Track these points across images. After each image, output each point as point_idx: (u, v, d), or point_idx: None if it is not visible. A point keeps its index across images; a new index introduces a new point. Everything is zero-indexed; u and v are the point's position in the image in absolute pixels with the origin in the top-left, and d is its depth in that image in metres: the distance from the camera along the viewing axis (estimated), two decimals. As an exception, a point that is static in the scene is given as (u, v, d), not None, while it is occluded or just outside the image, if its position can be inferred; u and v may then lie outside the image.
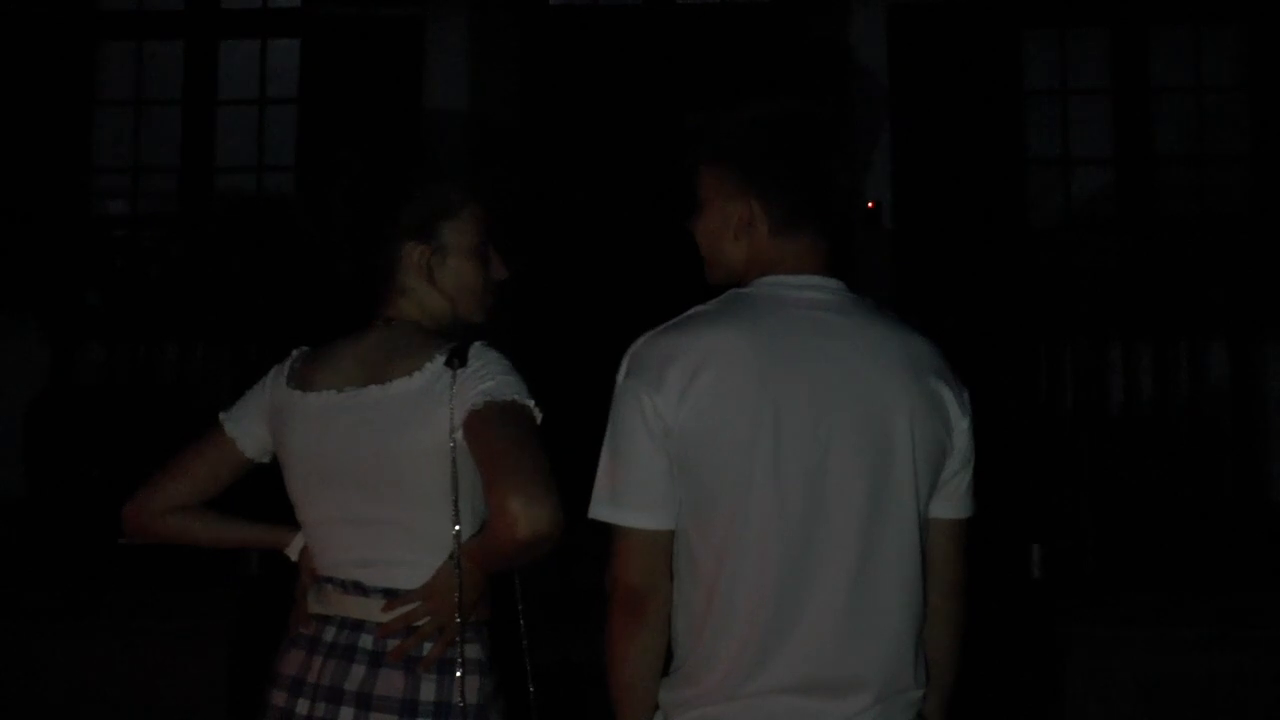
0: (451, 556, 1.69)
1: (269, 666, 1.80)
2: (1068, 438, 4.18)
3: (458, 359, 1.68)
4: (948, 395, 1.58)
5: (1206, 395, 4.24)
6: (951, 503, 1.62)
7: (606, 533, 1.57)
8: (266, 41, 5.30)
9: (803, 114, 1.60)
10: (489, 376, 1.67)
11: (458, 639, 1.70)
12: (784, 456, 1.49)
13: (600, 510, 1.54)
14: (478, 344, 1.72)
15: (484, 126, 5.08)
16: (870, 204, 4.90)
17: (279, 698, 1.74)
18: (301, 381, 1.80)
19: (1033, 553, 3.84)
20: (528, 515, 1.52)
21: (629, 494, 1.52)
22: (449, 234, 1.82)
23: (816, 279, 1.59)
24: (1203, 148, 5.20)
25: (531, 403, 1.67)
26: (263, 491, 1.89)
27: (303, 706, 1.70)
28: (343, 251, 1.82)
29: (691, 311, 1.58)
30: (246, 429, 1.85)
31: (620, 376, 1.56)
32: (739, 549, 1.49)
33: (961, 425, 1.60)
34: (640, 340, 1.58)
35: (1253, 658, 3.61)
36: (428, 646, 1.69)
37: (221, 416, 1.87)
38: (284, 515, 1.88)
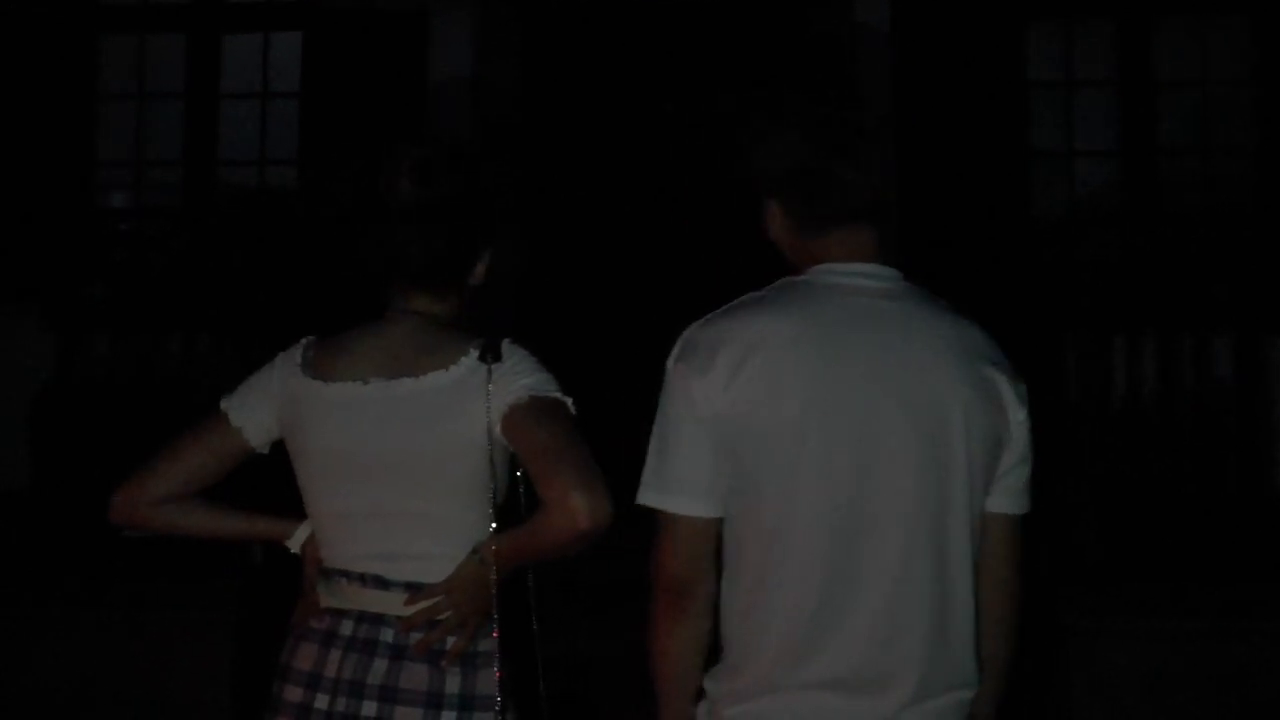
0: (475, 550, 1.68)
1: (276, 660, 1.77)
2: (1071, 430, 4.18)
3: (491, 354, 1.69)
4: (1004, 386, 1.54)
5: (1210, 388, 4.24)
6: (1008, 498, 1.58)
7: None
8: (269, 35, 5.29)
9: (824, 118, 1.59)
10: (526, 373, 1.69)
11: (490, 632, 1.70)
12: (833, 445, 1.46)
13: (648, 496, 1.53)
14: (506, 341, 1.73)
15: (487, 120, 5.07)
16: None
17: (294, 693, 1.71)
18: (319, 371, 1.76)
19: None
20: (590, 507, 1.56)
21: (676, 480, 1.50)
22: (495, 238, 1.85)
23: (868, 267, 1.57)
24: (1207, 141, 5.18)
25: (569, 399, 1.70)
26: (255, 481, 1.86)
27: (322, 701, 1.68)
28: (410, 248, 1.77)
29: (743, 298, 1.57)
30: (252, 417, 1.78)
31: (670, 362, 1.54)
32: (785, 538, 1.47)
33: (1018, 417, 1.55)
34: (692, 326, 1.56)
35: (1256, 649, 3.61)
36: (451, 640, 1.68)
37: (224, 403, 1.80)
38: (276, 505, 1.84)
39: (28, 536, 4.13)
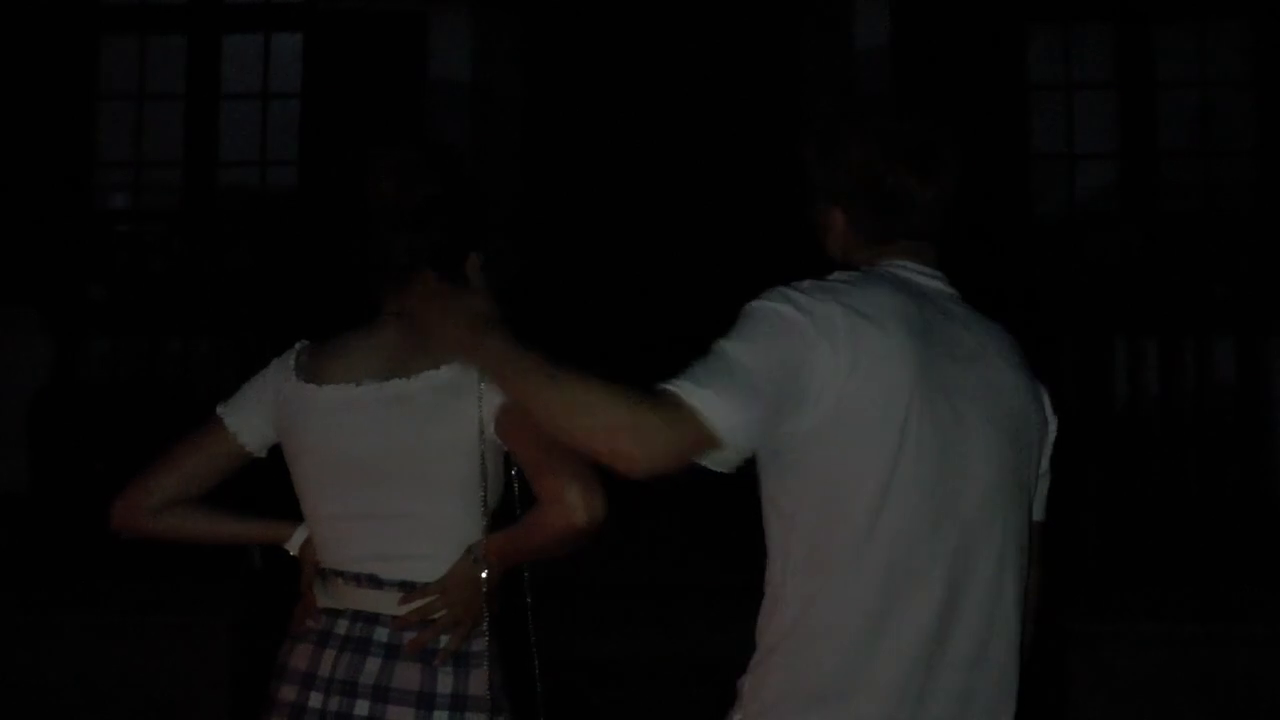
0: (469, 550, 1.70)
1: (274, 661, 1.78)
2: (1071, 432, 4.16)
3: None
4: (1044, 394, 1.60)
5: (1211, 391, 4.23)
6: (1041, 503, 1.62)
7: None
8: (269, 35, 5.29)
9: (904, 133, 1.55)
10: None
11: (483, 632, 1.70)
12: (928, 440, 1.42)
13: (682, 385, 1.35)
14: None
15: (487, 120, 5.07)
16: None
17: (289, 692, 1.72)
18: (312, 374, 1.78)
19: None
20: (586, 503, 1.57)
21: (728, 388, 1.35)
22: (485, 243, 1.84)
23: (933, 270, 1.57)
24: (1208, 143, 5.18)
25: None
26: (254, 485, 1.87)
27: (316, 700, 1.69)
28: (392, 251, 1.77)
29: (836, 277, 1.50)
30: (247, 422, 1.81)
31: (769, 303, 1.42)
32: (877, 533, 1.40)
33: (1053, 424, 1.61)
34: (791, 287, 1.44)
35: (1256, 654, 3.60)
36: (444, 639, 1.69)
37: (220, 409, 1.83)
38: (277, 509, 1.86)
39: (25, 539, 4.13)
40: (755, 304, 1.43)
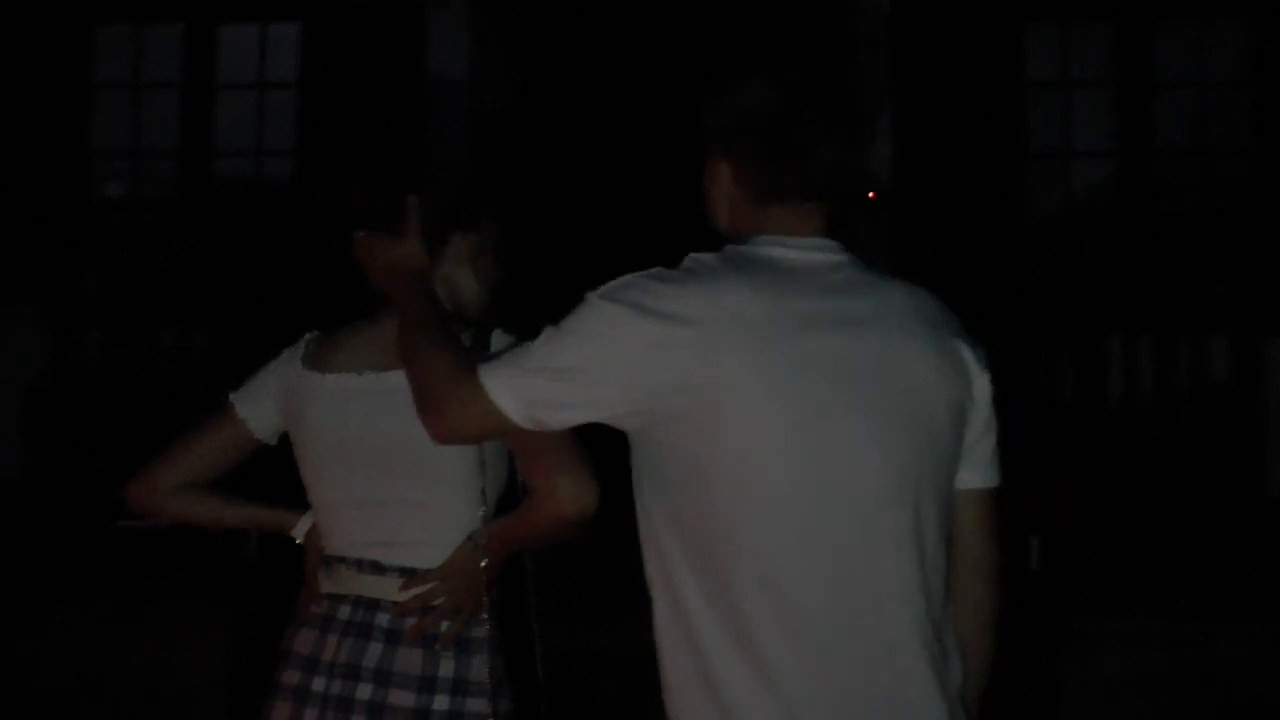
0: (470, 538, 1.73)
1: (278, 646, 1.81)
2: (1067, 430, 4.18)
3: (481, 346, 1.72)
4: (965, 352, 1.44)
5: (1207, 389, 4.24)
6: (979, 470, 1.46)
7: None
8: (266, 26, 5.27)
9: (791, 85, 1.43)
10: None
11: (485, 618, 1.73)
12: (810, 433, 1.32)
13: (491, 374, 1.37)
14: (497, 330, 1.76)
15: (485, 110, 5.06)
16: (871, 194, 4.89)
17: (292, 676, 1.75)
18: (318, 364, 1.82)
19: (1031, 545, 3.84)
20: (576, 493, 1.59)
21: (517, 378, 1.37)
22: (486, 229, 1.85)
23: (816, 240, 1.43)
24: (1205, 142, 5.19)
25: None
26: (263, 474, 1.90)
27: (319, 684, 1.72)
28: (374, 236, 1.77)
29: (692, 262, 1.41)
30: (258, 410, 1.85)
31: (603, 300, 1.38)
32: (751, 544, 1.31)
33: (981, 382, 1.45)
34: (633, 279, 1.39)
35: (1251, 651, 3.61)
36: (445, 625, 1.72)
37: (232, 397, 1.87)
38: (284, 497, 1.89)
39: (21, 530, 4.12)
40: (591, 296, 1.39)
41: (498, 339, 1.74)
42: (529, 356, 1.38)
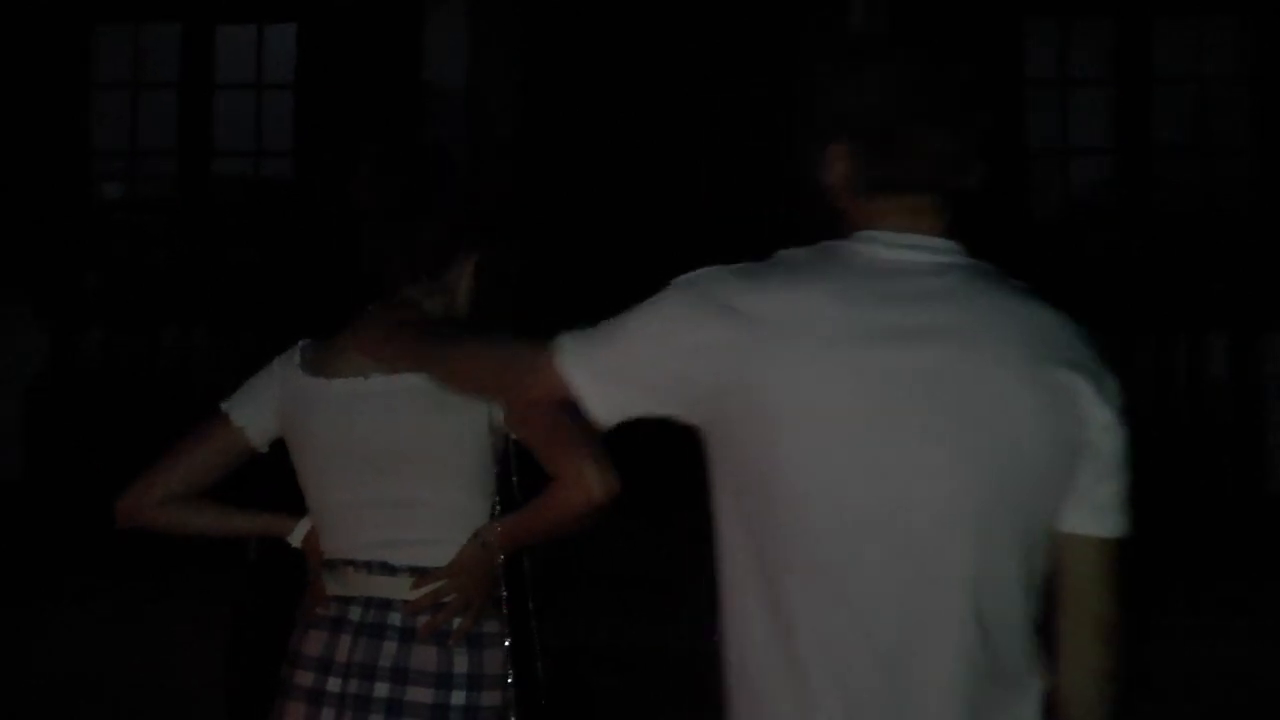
0: (477, 534, 1.77)
1: (280, 647, 1.83)
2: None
3: None
4: (1080, 384, 1.29)
5: (1206, 387, 4.25)
6: (1095, 516, 1.32)
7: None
8: (263, 26, 5.27)
9: (925, 72, 1.40)
10: None
11: (493, 613, 1.77)
12: (867, 453, 1.25)
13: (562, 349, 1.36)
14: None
15: (483, 111, 5.06)
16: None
17: (304, 678, 1.77)
18: (320, 369, 1.83)
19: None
20: (602, 479, 1.63)
21: (591, 354, 1.35)
22: (487, 246, 1.88)
23: (925, 239, 1.34)
24: (1204, 139, 5.19)
25: None
26: (250, 480, 1.90)
27: (334, 684, 1.74)
28: (393, 245, 1.82)
29: (782, 258, 1.36)
30: (254, 418, 1.85)
31: (684, 289, 1.35)
32: (809, 567, 1.25)
33: (1100, 420, 1.29)
34: (711, 269, 1.36)
35: (1250, 648, 3.62)
36: (457, 621, 1.75)
37: (224, 406, 1.87)
38: (274, 503, 1.90)
39: (20, 529, 4.13)
40: (672, 282, 1.37)
41: None
42: (612, 340, 1.36)
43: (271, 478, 1.86)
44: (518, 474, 1.81)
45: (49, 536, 4.04)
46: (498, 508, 1.77)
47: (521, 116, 5.19)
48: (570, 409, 1.41)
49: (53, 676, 3.73)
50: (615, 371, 1.34)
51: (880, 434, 1.26)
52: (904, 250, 1.34)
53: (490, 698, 1.74)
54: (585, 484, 1.63)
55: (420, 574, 1.75)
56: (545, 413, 1.51)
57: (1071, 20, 5.20)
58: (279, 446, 1.87)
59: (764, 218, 5.08)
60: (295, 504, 1.89)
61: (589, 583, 3.42)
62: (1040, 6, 5.13)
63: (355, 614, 1.77)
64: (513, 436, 1.79)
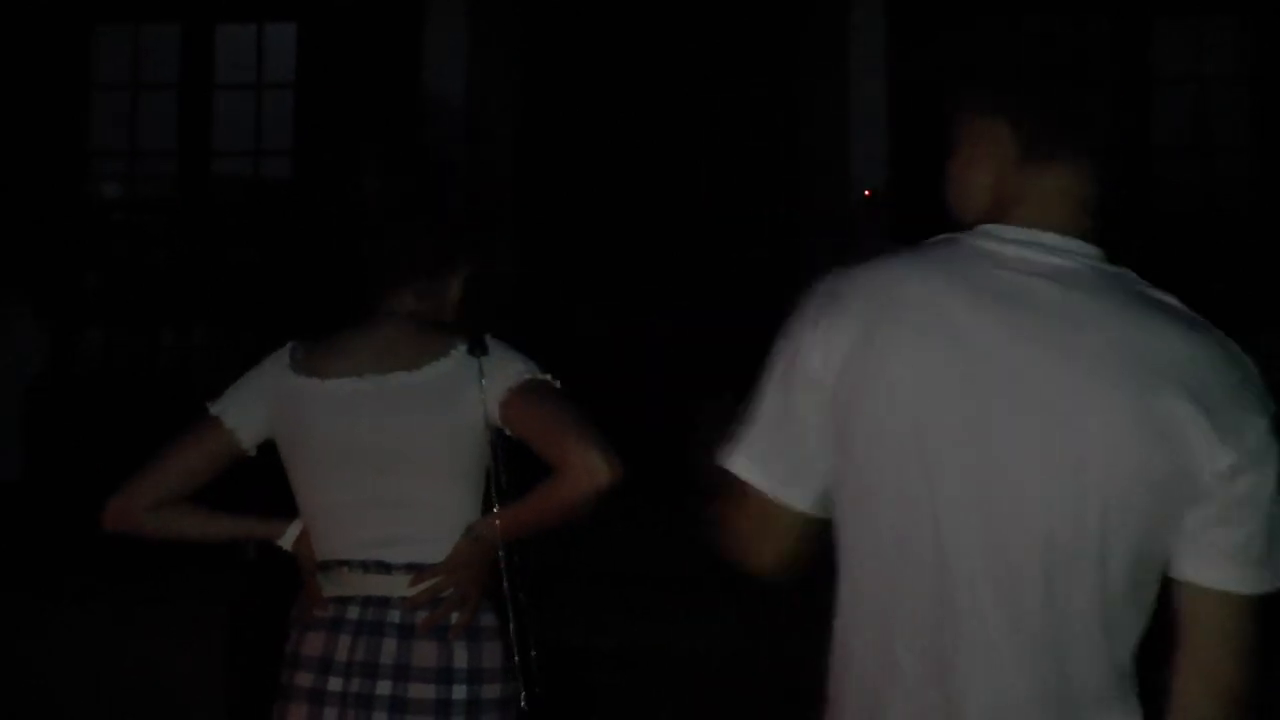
0: (469, 529, 1.79)
1: (278, 648, 1.83)
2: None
3: (479, 348, 1.78)
4: (1197, 418, 1.16)
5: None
6: (1213, 565, 1.18)
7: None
8: (263, 26, 5.27)
9: (1065, 39, 1.44)
10: (515, 360, 1.80)
11: (490, 606, 1.80)
12: (943, 455, 1.19)
13: (724, 456, 1.28)
14: (488, 335, 1.82)
15: (483, 110, 5.05)
16: (867, 193, 4.89)
17: (305, 678, 1.77)
18: (313, 370, 1.83)
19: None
20: (608, 463, 1.68)
21: (748, 439, 1.27)
22: (483, 254, 1.95)
23: (1046, 236, 1.26)
24: (1204, 139, 5.19)
25: (558, 381, 1.82)
26: (238, 483, 1.90)
27: (335, 684, 1.75)
28: (399, 254, 1.87)
29: (884, 257, 1.33)
30: (245, 419, 1.85)
31: (795, 323, 1.30)
32: (880, 558, 1.22)
33: (1220, 461, 1.15)
34: (822, 284, 1.31)
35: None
36: (454, 616, 1.77)
37: (213, 409, 1.85)
38: (264, 507, 1.90)
39: (19, 529, 4.12)
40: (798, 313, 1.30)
41: (491, 344, 1.80)
42: (758, 418, 1.29)
43: (261, 481, 1.86)
44: (506, 468, 1.82)
45: (48, 537, 4.03)
46: (496, 503, 1.78)
47: (521, 116, 5.19)
48: (570, 398, 1.45)
49: (52, 676, 3.73)
50: (785, 450, 1.27)
51: (974, 436, 1.19)
52: (1023, 248, 1.25)
53: (491, 690, 1.76)
54: (592, 469, 1.67)
55: (417, 571, 1.76)
56: (546, 404, 1.57)
57: (1068, 20, 5.19)
58: (268, 449, 1.87)
59: (764, 218, 5.08)
60: (285, 507, 1.89)
61: (590, 581, 3.42)
62: (1040, 5, 5.13)
63: (353, 613, 1.78)
64: (506, 431, 1.80)
